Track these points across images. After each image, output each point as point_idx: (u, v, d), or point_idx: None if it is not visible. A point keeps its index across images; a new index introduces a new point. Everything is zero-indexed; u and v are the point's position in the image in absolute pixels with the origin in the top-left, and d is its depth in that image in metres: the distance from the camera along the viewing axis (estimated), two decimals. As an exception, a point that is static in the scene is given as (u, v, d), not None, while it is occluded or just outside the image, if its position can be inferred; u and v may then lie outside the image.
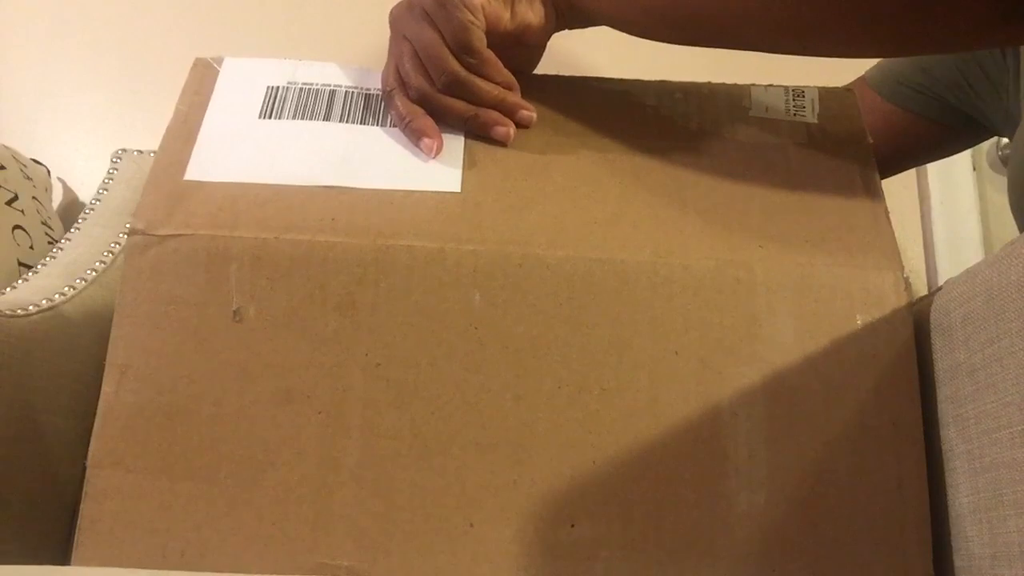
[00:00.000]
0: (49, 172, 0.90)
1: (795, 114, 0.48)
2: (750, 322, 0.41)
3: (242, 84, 0.47)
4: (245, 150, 0.45)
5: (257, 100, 0.47)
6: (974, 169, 1.01)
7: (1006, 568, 0.34)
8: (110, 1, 1.01)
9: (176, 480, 0.38)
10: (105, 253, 0.73)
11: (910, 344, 0.41)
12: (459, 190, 0.43)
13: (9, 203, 0.77)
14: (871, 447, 0.39)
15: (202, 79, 0.47)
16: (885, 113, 0.62)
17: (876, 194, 0.45)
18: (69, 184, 0.95)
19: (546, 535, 0.38)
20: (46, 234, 0.80)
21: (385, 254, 0.41)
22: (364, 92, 0.48)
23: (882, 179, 0.46)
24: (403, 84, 0.46)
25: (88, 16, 1.00)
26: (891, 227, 0.43)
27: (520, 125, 0.46)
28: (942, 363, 0.40)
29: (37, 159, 0.88)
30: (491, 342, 0.40)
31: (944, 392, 0.40)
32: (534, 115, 0.46)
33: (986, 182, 1.02)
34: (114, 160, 0.84)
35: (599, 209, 0.43)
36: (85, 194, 0.95)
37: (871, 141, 0.47)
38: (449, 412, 0.39)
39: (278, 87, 0.47)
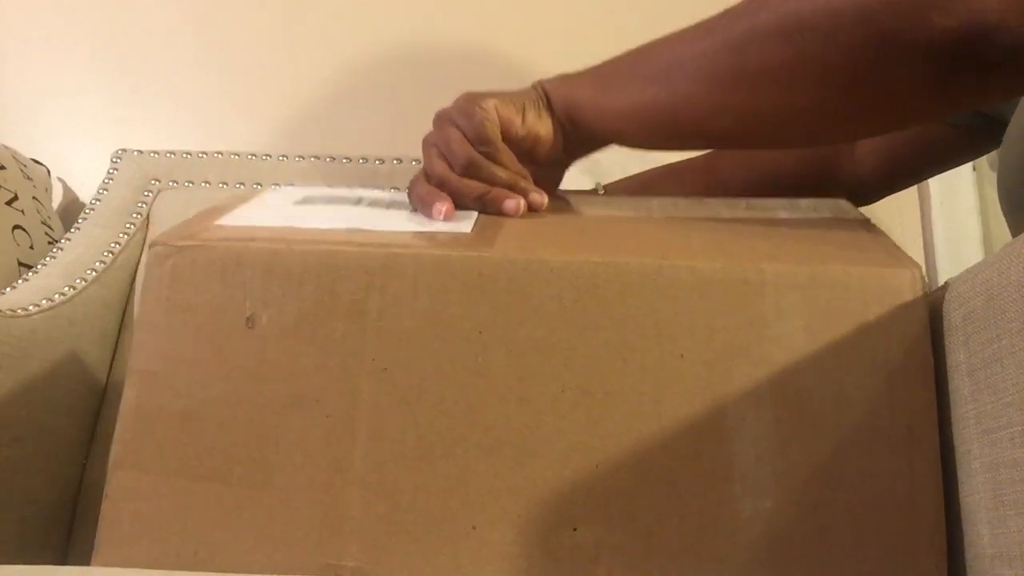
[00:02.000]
0: (49, 172, 0.90)
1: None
2: (758, 323, 0.40)
3: (275, 196, 0.53)
4: (278, 213, 0.49)
5: (292, 198, 0.52)
6: (974, 169, 1.01)
7: (1007, 568, 0.34)
8: (110, 1, 1.01)
9: (191, 481, 0.39)
10: (105, 253, 0.73)
11: (926, 345, 0.39)
12: (469, 231, 0.46)
13: (9, 203, 0.77)
14: (883, 452, 0.38)
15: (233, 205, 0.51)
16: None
17: (881, 234, 0.45)
18: (69, 184, 0.95)
19: (549, 539, 0.38)
20: (46, 234, 0.80)
21: (392, 261, 0.41)
22: (388, 198, 0.52)
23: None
24: (426, 176, 0.51)
25: (88, 16, 1.00)
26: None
27: (531, 208, 0.49)
28: (942, 363, 0.40)
29: (37, 159, 0.88)
30: (495, 346, 0.40)
31: (944, 392, 0.40)
32: (545, 199, 0.49)
33: (986, 182, 1.02)
34: (114, 160, 0.84)
35: (608, 232, 0.45)
36: (85, 194, 0.95)
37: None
38: (454, 416, 0.39)
39: (310, 195, 0.52)
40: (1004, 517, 0.34)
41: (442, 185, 0.49)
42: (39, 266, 0.70)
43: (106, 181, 0.82)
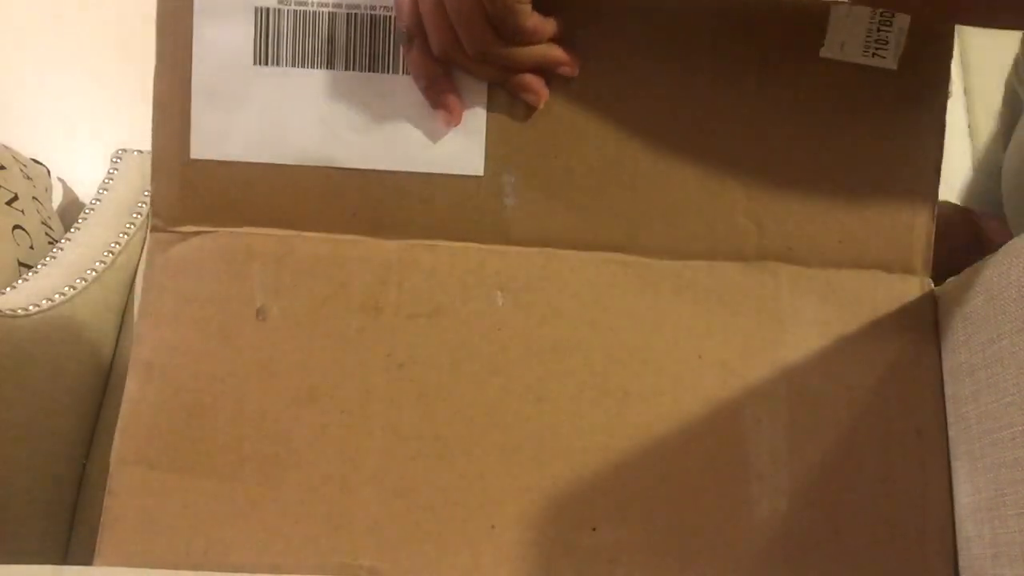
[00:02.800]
0: (49, 172, 0.90)
1: (874, 52, 0.41)
2: (774, 327, 0.40)
3: (227, 5, 0.41)
4: (247, 114, 0.41)
5: (247, 35, 0.41)
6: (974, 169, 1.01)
7: (1008, 568, 0.34)
8: (111, 1, 1.01)
9: (199, 478, 0.38)
10: (105, 253, 0.73)
11: (934, 351, 0.40)
12: (481, 174, 0.41)
13: (9, 203, 0.77)
14: (895, 454, 0.39)
15: (175, 6, 0.41)
16: None
17: (924, 193, 0.42)
18: (69, 184, 0.95)
19: (568, 538, 0.38)
20: (46, 234, 0.80)
21: (408, 253, 0.41)
22: (369, 14, 0.41)
23: None
24: (422, 32, 0.39)
25: (89, 16, 1.00)
26: (931, 228, 0.42)
27: (562, 74, 0.41)
28: (943, 363, 0.40)
29: (37, 159, 0.88)
30: (514, 344, 0.40)
31: (945, 392, 0.40)
32: (576, 70, 0.41)
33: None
34: (114, 160, 0.84)
35: (627, 199, 0.41)
36: (85, 194, 0.95)
37: (950, 95, 0.42)
38: (471, 413, 0.39)
39: (268, 10, 0.41)
40: (1005, 517, 0.34)
41: (446, 59, 0.40)
42: (39, 266, 0.70)
43: (106, 181, 0.82)
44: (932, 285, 0.41)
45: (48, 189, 0.88)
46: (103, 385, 0.69)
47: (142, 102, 0.43)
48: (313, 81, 0.41)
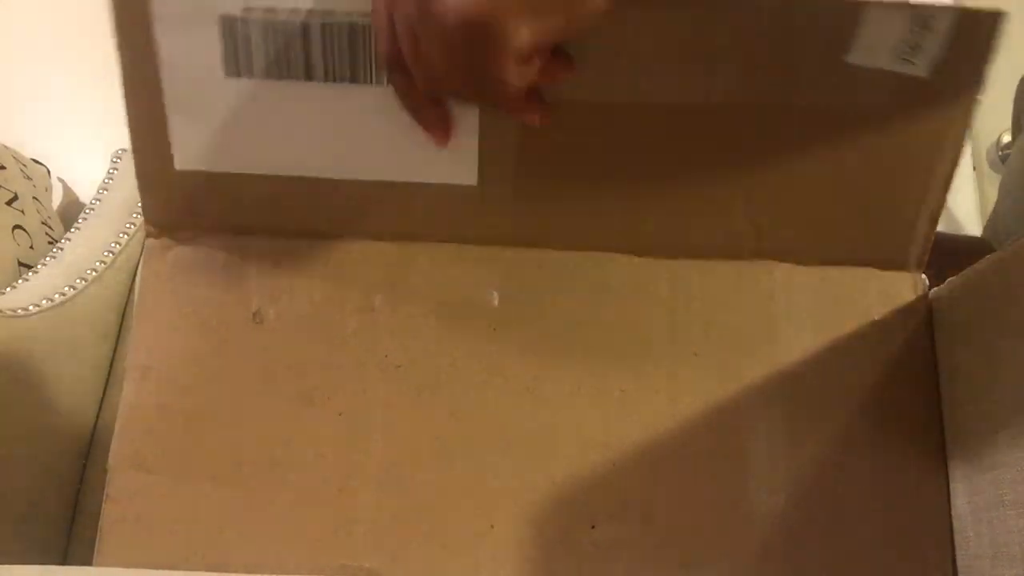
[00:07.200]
0: (49, 172, 0.90)
1: (905, 57, 0.37)
2: (769, 324, 0.41)
3: (188, 14, 0.37)
4: (228, 126, 0.39)
5: (214, 44, 0.37)
6: (974, 169, 1.01)
7: (1007, 568, 0.34)
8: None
9: (197, 481, 0.38)
10: (105, 253, 0.73)
11: (928, 346, 0.40)
12: (475, 183, 0.40)
13: (9, 203, 0.76)
14: (891, 453, 0.39)
15: (132, 17, 0.37)
16: None
17: (929, 195, 0.40)
18: (69, 184, 0.95)
19: (566, 536, 0.38)
20: (46, 234, 0.80)
21: (404, 255, 0.41)
22: (347, 23, 0.36)
23: None
24: (403, 61, 0.34)
25: (89, 16, 1.00)
26: (930, 229, 0.40)
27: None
28: (942, 363, 0.40)
29: (37, 159, 0.88)
30: (510, 343, 0.40)
31: (944, 392, 0.40)
32: (547, 119, 0.38)
33: (986, 182, 1.02)
34: (114, 160, 0.84)
35: (623, 200, 0.40)
36: (85, 194, 0.95)
37: (978, 99, 0.38)
38: (469, 413, 0.39)
39: (235, 20, 0.36)
40: (1004, 518, 0.34)
41: (432, 89, 0.36)
42: (39, 266, 0.70)
43: (106, 181, 0.82)
44: (927, 284, 0.41)
45: (48, 189, 0.88)
46: (103, 385, 0.69)
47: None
48: (292, 94, 0.38)
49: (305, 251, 0.41)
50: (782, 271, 0.42)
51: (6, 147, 0.82)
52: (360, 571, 0.38)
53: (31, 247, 0.76)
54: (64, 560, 0.63)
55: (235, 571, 0.37)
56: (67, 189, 0.95)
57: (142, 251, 0.42)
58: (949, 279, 0.41)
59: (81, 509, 0.65)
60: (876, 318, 0.41)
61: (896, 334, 0.41)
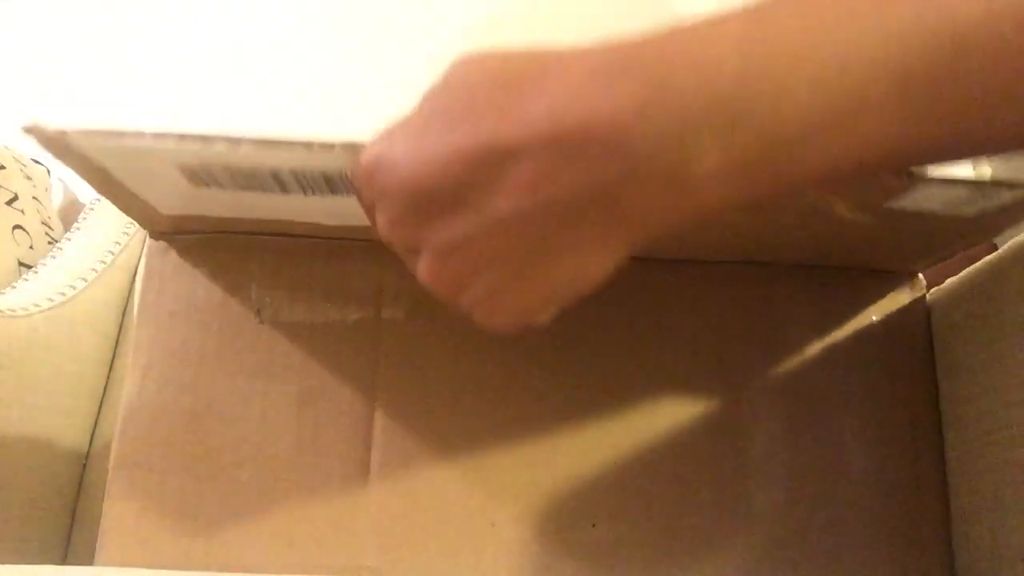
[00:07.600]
0: (49, 172, 0.90)
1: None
2: (768, 323, 0.41)
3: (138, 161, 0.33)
4: (208, 202, 0.37)
5: (172, 170, 0.33)
6: (974, 169, 1.01)
7: (1007, 569, 0.34)
8: (111, 1, 1.01)
9: (199, 480, 0.39)
10: (105, 253, 0.73)
11: (927, 345, 0.41)
12: None
13: (9, 203, 0.77)
14: (889, 447, 0.39)
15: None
16: None
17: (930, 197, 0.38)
18: (69, 184, 0.95)
19: (568, 535, 0.38)
20: (46, 234, 0.80)
21: None
22: (321, 170, 0.33)
23: None
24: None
25: (89, 16, 1.00)
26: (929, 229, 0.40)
27: None
28: (942, 363, 0.40)
29: (37, 159, 0.88)
30: (512, 343, 0.40)
31: (944, 392, 0.40)
32: None
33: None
34: (114, 160, 0.84)
35: None
36: (85, 194, 0.95)
37: None
38: (471, 412, 0.39)
39: (194, 165, 0.33)
40: (1004, 517, 0.34)
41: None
42: (39, 266, 0.70)
43: (106, 181, 0.82)
44: (925, 285, 0.42)
45: (48, 189, 0.88)
46: (103, 385, 0.69)
47: (142, 102, 0.42)
48: (264, 198, 0.35)
49: (307, 250, 0.41)
50: (782, 271, 0.42)
51: (6, 147, 0.82)
52: (362, 570, 0.38)
53: (31, 247, 0.76)
54: (64, 560, 0.63)
55: (235, 571, 0.37)
56: (67, 189, 0.95)
57: (142, 251, 0.42)
58: (950, 278, 0.41)
59: (81, 509, 0.65)
60: (875, 318, 0.41)
61: (895, 334, 0.41)
